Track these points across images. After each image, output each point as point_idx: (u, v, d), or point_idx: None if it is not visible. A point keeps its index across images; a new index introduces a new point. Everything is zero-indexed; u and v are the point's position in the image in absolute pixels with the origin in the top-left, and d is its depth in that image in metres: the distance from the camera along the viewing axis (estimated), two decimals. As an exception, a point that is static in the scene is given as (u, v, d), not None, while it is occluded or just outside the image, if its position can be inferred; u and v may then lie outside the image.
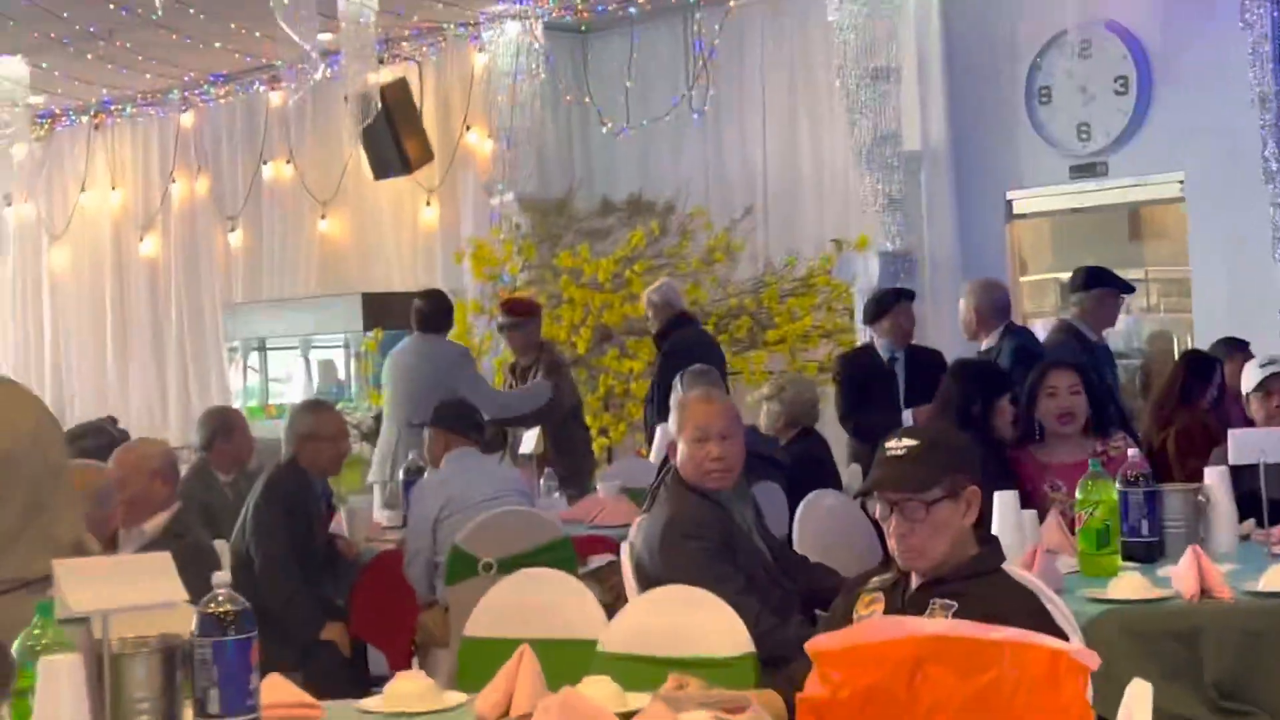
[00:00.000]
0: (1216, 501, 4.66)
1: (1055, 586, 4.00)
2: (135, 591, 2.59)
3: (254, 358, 12.56)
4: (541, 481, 6.72)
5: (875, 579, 3.17)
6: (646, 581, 4.05)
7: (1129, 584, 3.96)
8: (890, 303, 7.12)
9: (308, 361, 12.18)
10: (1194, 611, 3.84)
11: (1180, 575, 3.98)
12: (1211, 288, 8.65)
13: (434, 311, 7.65)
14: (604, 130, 10.92)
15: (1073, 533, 4.60)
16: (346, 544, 5.82)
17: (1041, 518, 4.84)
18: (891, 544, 3.06)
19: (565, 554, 5.36)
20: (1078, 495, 4.45)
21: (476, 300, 10.33)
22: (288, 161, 12.59)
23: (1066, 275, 10.58)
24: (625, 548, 4.28)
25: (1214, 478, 4.69)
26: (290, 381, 12.41)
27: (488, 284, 10.56)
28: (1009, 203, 9.58)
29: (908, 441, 3.06)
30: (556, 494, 6.67)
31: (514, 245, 10.57)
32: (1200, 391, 7.12)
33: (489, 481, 5.63)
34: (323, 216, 12.40)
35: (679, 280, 10.13)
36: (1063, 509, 4.90)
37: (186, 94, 12.98)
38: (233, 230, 13.07)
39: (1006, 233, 9.62)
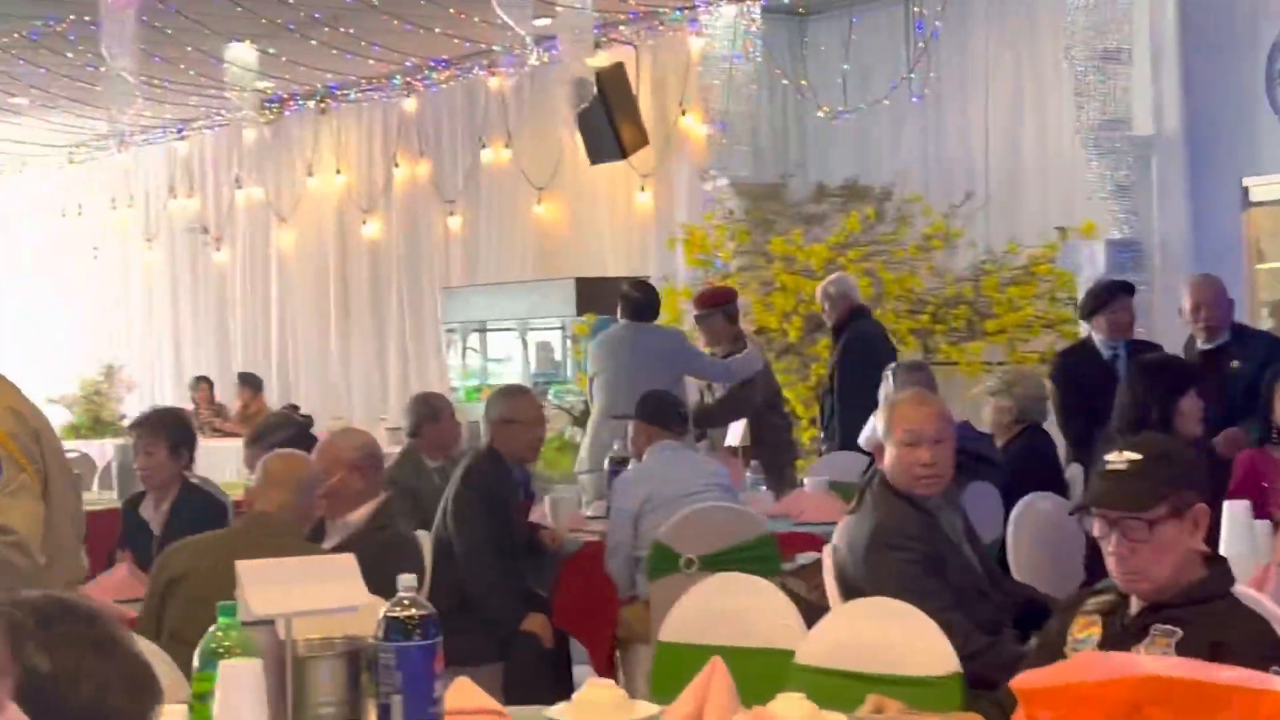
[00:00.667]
0: None
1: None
2: (318, 595, 2.54)
3: (473, 339, 12.70)
4: (747, 475, 6.59)
5: (1093, 600, 2.97)
6: (848, 589, 3.90)
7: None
8: (1107, 297, 6.79)
9: (525, 344, 12.27)
10: None
11: None
12: None
13: (647, 302, 7.57)
14: (820, 115, 10.72)
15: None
16: (550, 534, 5.77)
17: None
18: (1110, 565, 2.86)
19: (769, 551, 5.23)
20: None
21: (688, 286, 10.23)
22: (506, 145, 12.68)
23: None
24: (828, 549, 4.13)
25: None
26: (508, 363, 12.51)
27: (700, 270, 10.46)
28: (1245, 189, 9.11)
29: (1130, 455, 2.85)
30: (762, 488, 6.53)
31: (727, 231, 10.45)
32: None
33: (692, 475, 5.53)
34: (539, 201, 12.46)
35: (894, 268, 9.92)
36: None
37: (408, 79, 13.18)
38: (452, 214, 13.23)
39: (1242, 220, 9.15)
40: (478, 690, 3.01)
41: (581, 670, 5.77)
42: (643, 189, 11.71)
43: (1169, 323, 8.66)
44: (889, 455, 4.02)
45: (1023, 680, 2.02)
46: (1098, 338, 6.82)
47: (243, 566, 2.50)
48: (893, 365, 6.51)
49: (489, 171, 12.88)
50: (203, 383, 13.79)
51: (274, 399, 13.54)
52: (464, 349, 12.70)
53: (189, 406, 13.13)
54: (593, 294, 10.98)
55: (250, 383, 12.99)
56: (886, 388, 6.09)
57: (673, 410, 5.74)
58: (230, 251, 15.40)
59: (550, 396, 11.54)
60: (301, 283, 14.69)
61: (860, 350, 7.73)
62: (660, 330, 7.80)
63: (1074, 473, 6.28)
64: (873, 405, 5.88)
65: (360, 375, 14.20)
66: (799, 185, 10.79)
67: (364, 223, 13.98)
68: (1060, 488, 5.99)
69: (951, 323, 9.70)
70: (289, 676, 2.53)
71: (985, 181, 10.38)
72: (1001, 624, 3.84)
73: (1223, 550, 4.12)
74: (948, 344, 9.63)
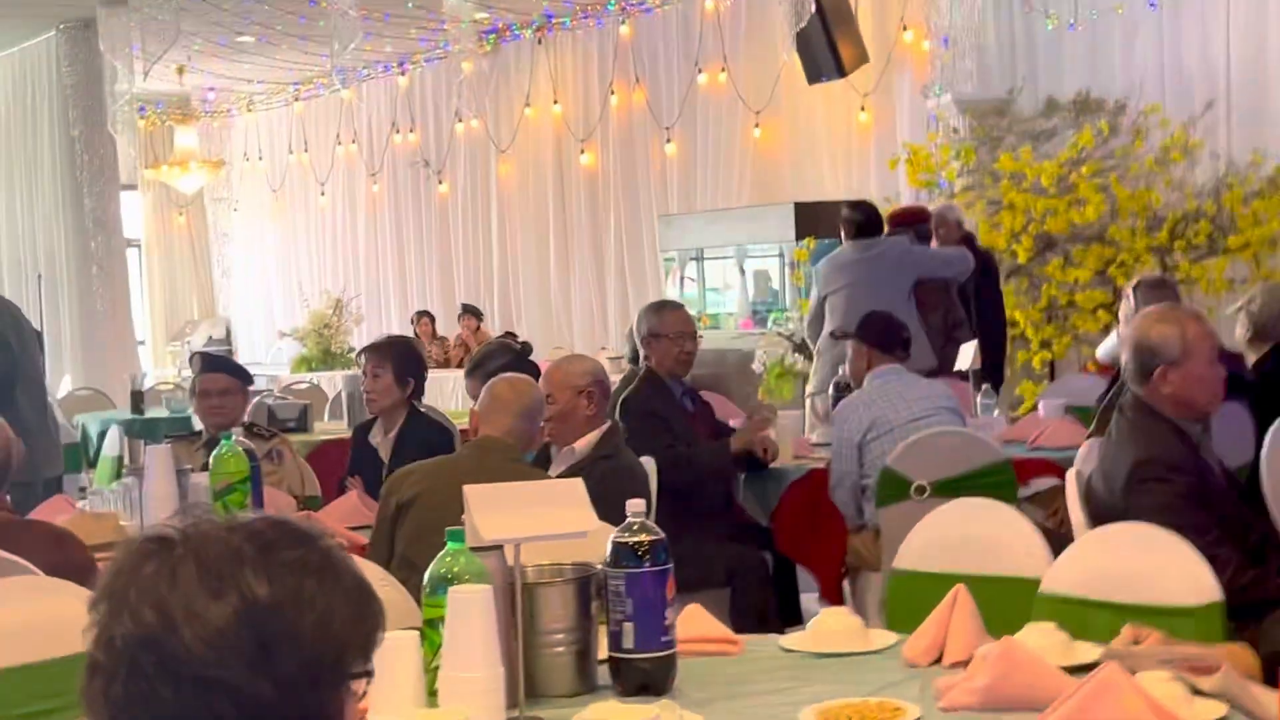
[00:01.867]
0: None
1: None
2: (547, 520, 2.47)
3: (691, 268, 12.61)
4: (979, 399, 6.37)
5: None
6: (1101, 519, 3.69)
7: None
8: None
9: (743, 272, 12.14)
10: None
11: None
12: None
13: (868, 220, 7.38)
14: (1049, 26, 10.29)
15: None
16: (763, 440, 5.54)
17: None
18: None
19: (1005, 478, 5.03)
20: None
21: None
22: (722, 70, 12.50)
23: None
24: (1072, 475, 3.92)
25: None
26: (727, 292, 12.40)
27: (924, 191, 10.18)
28: None
29: None
30: (995, 413, 6.30)
31: (951, 150, 10.14)
32: None
33: (917, 400, 5.33)
34: (756, 125, 12.27)
35: (1129, 183, 9.50)
36: None
37: (624, 5, 13.08)
38: (668, 141, 13.12)
39: None
40: (710, 617, 2.92)
41: (809, 599, 5.67)
42: (863, 109, 11.44)
43: None
44: (1178, 378, 3.74)
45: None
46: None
47: (471, 491, 2.44)
48: (1134, 281, 6.21)
49: (705, 96, 12.73)
50: (424, 317, 14.01)
51: (496, 329, 13.68)
52: (681, 278, 12.62)
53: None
54: (812, 218, 10.78)
55: (472, 313, 13.14)
56: (1127, 307, 5.80)
57: (896, 333, 5.53)
58: (451, 185, 15.56)
59: (770, 324, 11.42)
60: (521, 214, 14.77)
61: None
62: (886, 240, 7.60)
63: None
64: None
65: (580, 305, 14.25)
66: (1027, 100, 10.39)
67: (581, 152, 13.96)
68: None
69: (1192, 239, 9.26)
70: (519, 602, 2.47)
71: (1227, 90, 9.85)
72: (1268, 551, 3.60)
73: None
74: (1189, 261, 9.20)
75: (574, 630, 2.62)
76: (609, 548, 2.59)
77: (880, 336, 5.50)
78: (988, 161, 10.04)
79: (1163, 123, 9.67)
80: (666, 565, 2.60)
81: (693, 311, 12.26)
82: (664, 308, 5.71)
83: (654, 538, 2.59)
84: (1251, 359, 5.81)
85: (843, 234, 7.51)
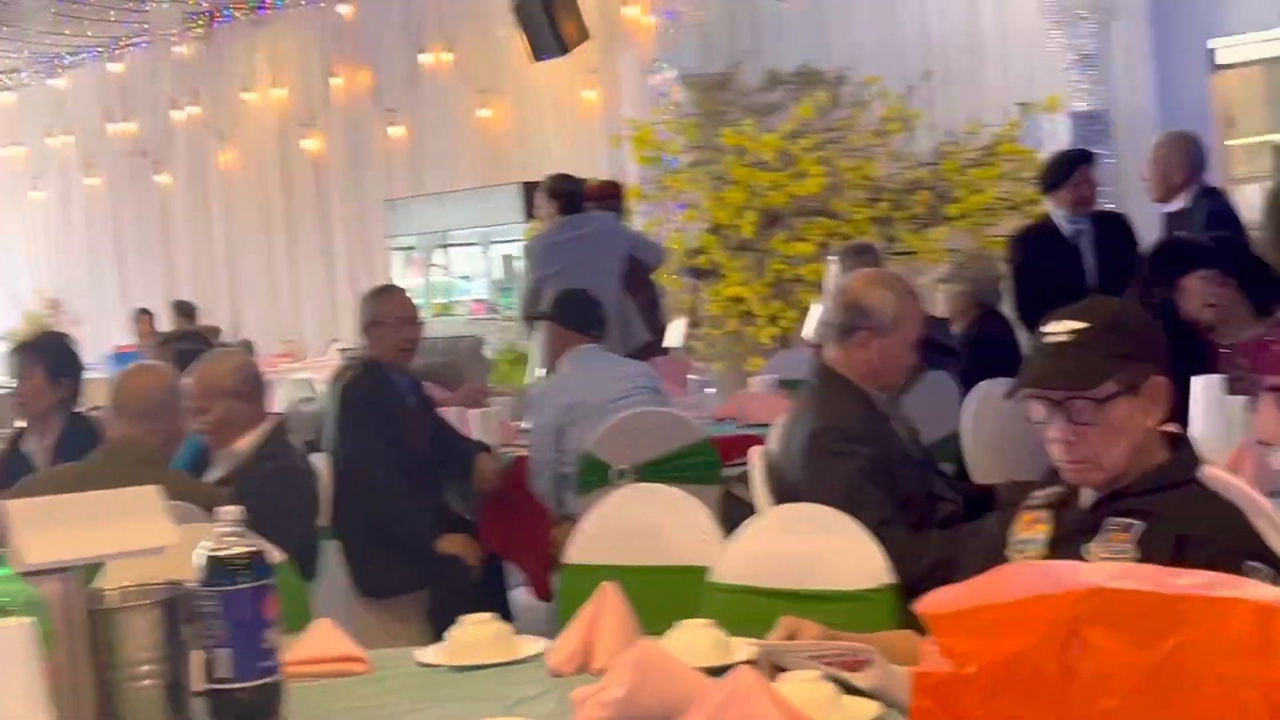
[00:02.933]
0: None
1: (1270, 490, 3.36)
2: (115, 536, 2.14)
3: (438, 255, 12.28)
4: (691, 377, 6.18)
5: (1039, 493, 2.58)
6: (783, 497, 3.50)
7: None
8: (1068, 168, 6.36)
9: (487, 256, 11.85)
10: None
11: None
12: None
13: (572, 192, 7.14)
14: (766, -4, 10.19)
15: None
16: (485, 466, 5.29)
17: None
18: (1055, 453, 2.46)
19: (707, 457, 4.83)
20: (1295, 376, 3.77)
21: (637, 186, 9.77)
22: (446, 49, 12.16)
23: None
24: (755, 451, 3.71)
25: None
26: (479, 279, 12.11)
27: (649, 168, 9.99)
28: (1211, 52, 8.66)
29: (1071, 324, 2.44)
30: (709, 390, 6.12)
31: (675, 125, 9.97)
32: None
33: (616, 380, 5.08)
34: (483, 105, 11.95)
35: (850, 156, 9.47)
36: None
37: (344, -18, 12.64)
38: (394, 124, 12.71)
39: (1209, 86, 8.71)
40: (338, 634, 2.62)
41: (519, 595, 5.40)
42: (588, 87, 11.21)
43: (1139, 198, 8.27)
44: (880, 346, 3.55)
45: (930, 603, 1.62)
46: (1059, 213, 6.40)
47: (16, 507, 2.09)
48: (840, 249, 6.10)
49: (430, 77, 12.37)
50: (144, 315, 13.33)
51: (224, 326, 13.09)
52: (427, 265, 12.26)
53: (135, 340, 12.71)
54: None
55: (183, 310, 12.51)
56: (832, 274, 5.69)
57: (591, 311, 5.27)
58: (171, 175, 14.87)
59: (504, 307, 11.14)
60: (245, 204, 14.19)
61: None
62: (595, 217, 7.36)
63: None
64: None
65: (310, 297, 13.74)
66: (751, 74, 10.29)
67: (305, 138, 13.45)
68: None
69: (912, 210, 9.27)
70: (75, 635, 2.13)
71: (944, 60, 9.92)
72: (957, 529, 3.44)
73: (1193, 432, 3.74)
74: (909, 232, 9.20)
75: (162, 660, 2.28)
76: (197, 563, 2.26)
77: (574, 316, 5.23)
78: (713, 136, 9.91)
79: (884, 94, 9.66)
80: (266, 580, 2.28)
81: (434, 300, 12.13)
82: (383, 293, 5.31)
83: (249, 550, 2.27)
84: (959, 327, 5.75)
85: (546, 208, 7.25)
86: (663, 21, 10.34)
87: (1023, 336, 6.44)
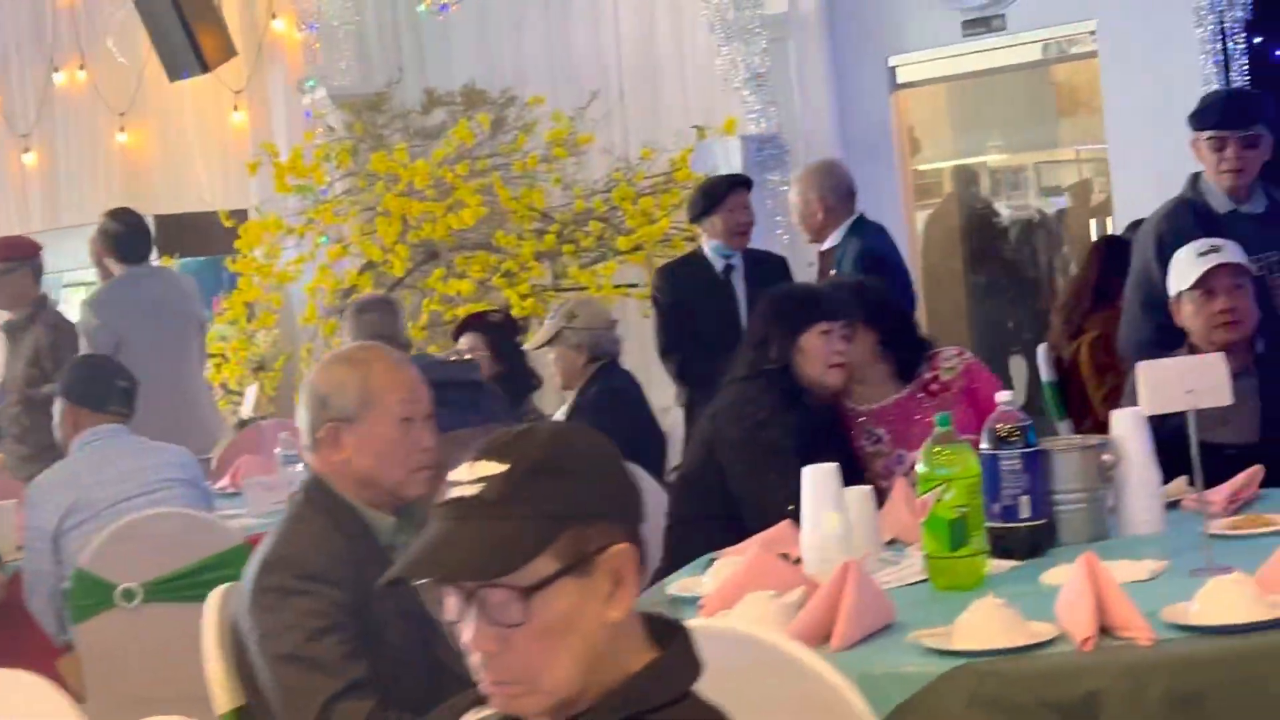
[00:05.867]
0: (1130, 459, 3.21)
1: (876, 623, 2.58)
2: None
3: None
4: (279, 451, 5.17)
5: (472, 714, 1.69)
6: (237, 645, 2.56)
7: (987, 620, 2.50)
8: (720, 194, 5.62)
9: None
10: (1090, 668, 2.39)
11: (1068, 604, 2.54)
12: (1131, 157, 7.15)
13: (132, 234, 6.08)
14: (422, 10, 9.27)
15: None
16: None
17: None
18: (479, 675, 1.57)
19: (238, 570, 3.85)
20: (919, 469, 2.98)
21: (278, 216, 8.74)
22: (81, 67, 10.91)
23: (964, 161, 9.18)
24: (216, 596, 2.76)
25: (1126, 424, 3.23)
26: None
27: (298, 198, 8.96)
28: (892, 70, 8.05)
29: (484, 468, 1.55)
30: (299, 465, 5.13)
31: (326, 150, 8.97)
32: (1119, 288, 5.74)
33: (136, 472, 4.07)
34: (121, 129, 10.74)
35: (514, 183, 8.61)
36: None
37: (-38, -5, 11.26)
38: (27, 150, 11.39)
39: (891, 105, 8.10)
40: None
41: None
42: (236, 108, 10.12)
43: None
44: (354, 441, 2.67)
45: None
46: (709, 245, 5.65)
47: None
48: (352, 304, 5.23)
49: (64, 98, 11.09)
50: None
51: None
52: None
53: None
54: (175, 232, 9.41)
55: None
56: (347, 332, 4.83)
57: (109, 382, 4.24)
58: None
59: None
60: None
61: None
62: (161, 268, 6.29)
63: (675, 419, 5.09)
64: None
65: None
66: (410, 93, 9.37)
67: (-71, 167, 12.00)
68: (652, 438, 4.79)
69: (581, 242, 8.46)
70: None
71: (620, 81, 9.15)
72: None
73: (804, 538, 2.95)
74: (579, 267, 8.39)
75: None
76: None
77: (85, 389, 4.19)
78: (367, 163, 8.94)
79: (555, 115, 8.83)
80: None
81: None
82: None
83: None
84: (571, 387, 4.92)
85: (104, 254, 6.17)
86: (308, 35, 9.34)
87: (659, 392, 5.67)
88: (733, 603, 2.74)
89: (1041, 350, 5.88)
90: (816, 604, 2.62)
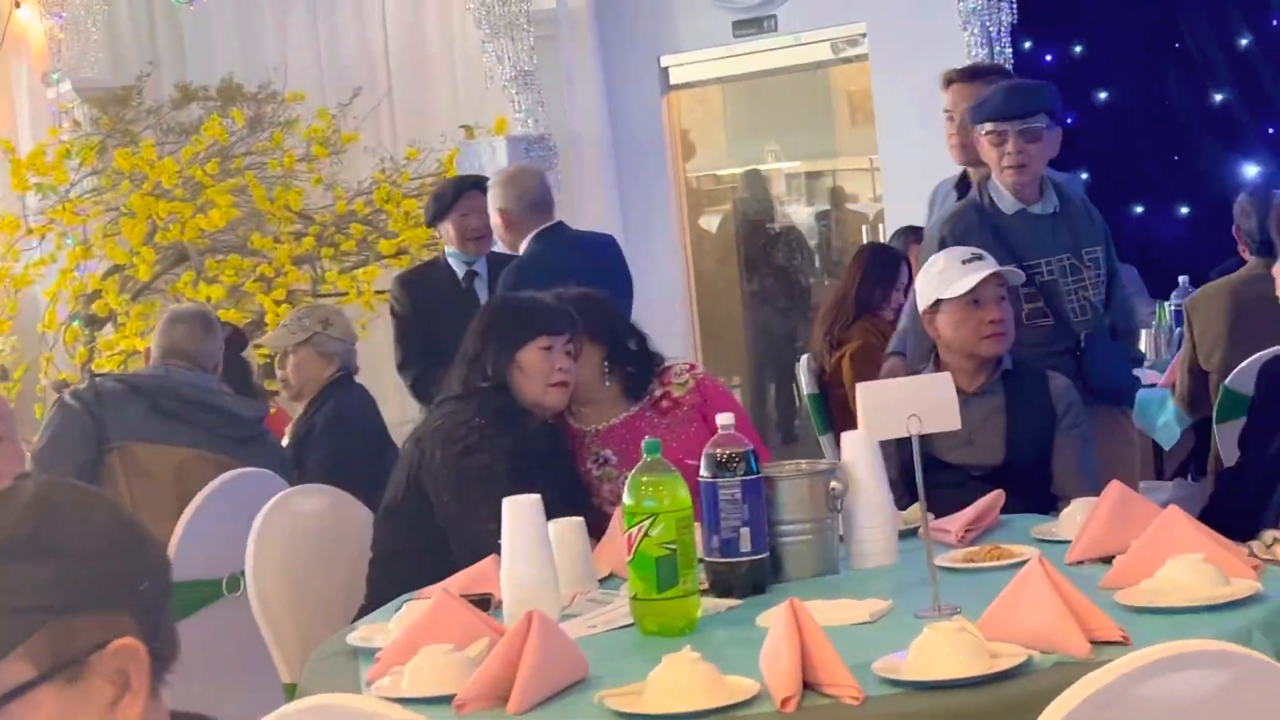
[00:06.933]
0: (860, 485, 2.96)
1: (563, 681, 2.28)
2: None
3: None
4: None
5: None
6: None
7: (680, 678, 2.21)
8: (449, 199, 5.29)
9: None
10: (787, 733, 2.12)
11: (772, 656, 2.26)
12: (901, 163, 7.02)
13: None
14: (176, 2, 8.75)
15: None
16: None
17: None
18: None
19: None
20: (625, 501, 2.69)
21: (13, 216, 8.16)
22: None
23: (741, 167, 8.99)
24: None
25: (856, 447, 2.98)
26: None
27: (40, 197, 8.38)
28: (665, 70, 7.82)
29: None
30: None
31: (70, 147, 8.40)
32: (883, 297, 5.59)
33: None
34: None
35: (270, 182, 8.17)
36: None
37: None
38: None
39: (663, 106, 7.87)
40: None
41: None
42: (-21, 102, 9.48)
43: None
44: None
45: None
46: (449, 251, 5.31)
47: None
48: (172, 311, 4.81)
49: None
50: None
51: None
52: None
53: None
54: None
55: None
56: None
57: None
58: None
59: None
60: None
61: None
62: None
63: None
64: None
65: None
66: (164, 88, 8.84)
67: None
68: (386, 460, 4.43)
69: (343, 246, 8.05)
70: None
71: (387, 77, 8.76)
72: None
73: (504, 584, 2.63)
74: (337, 271, 7.98)
75: None
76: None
77: None
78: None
79: (321, 113, 8.40)
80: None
81: None
82: None
83: None
84: (312, 394, 4.57)
85: None
86: (52, 25, 8.76)
87: (395, 409, 5.32)
88: (408, 656, 2.42)
89: (803, 362, 5.67)
90: (494, 660, 2.31)
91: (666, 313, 7.54)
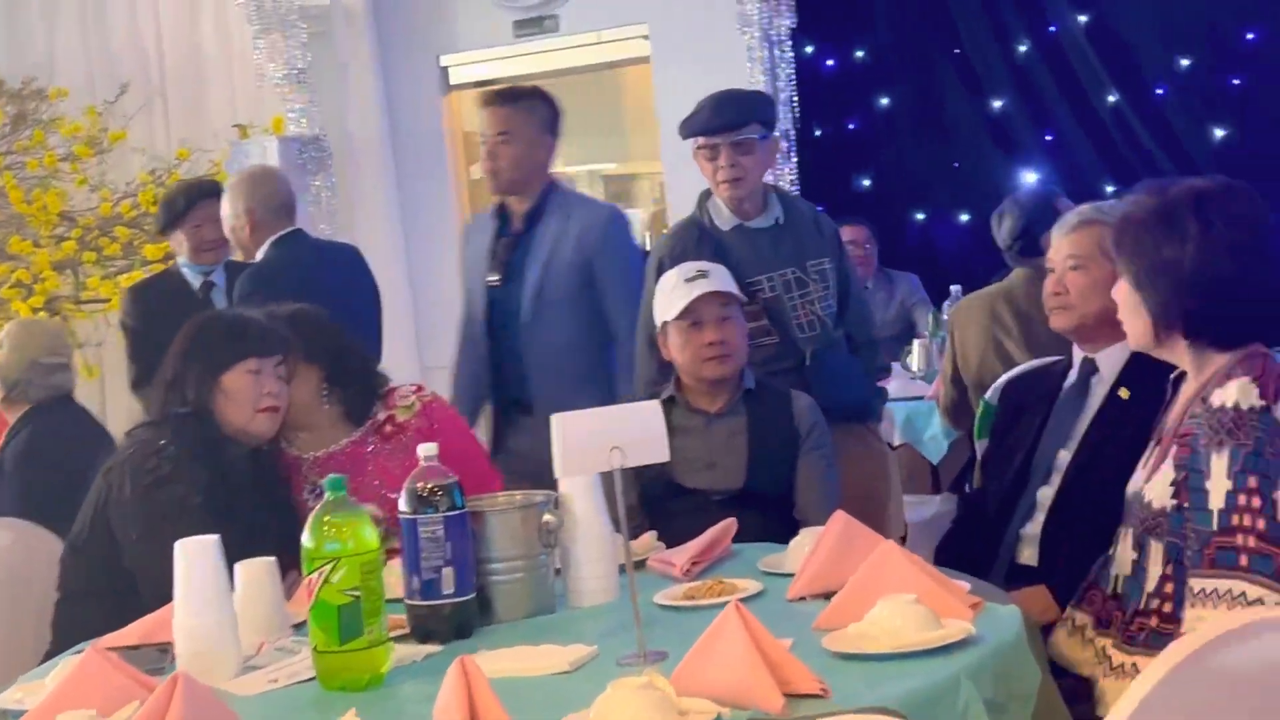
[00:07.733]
0: (576, 519, 2.76)
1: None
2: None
3: None
4: None
5: None
6: None
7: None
8: (181, 208, 4.98)
9: None
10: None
11: (445, 716, 2.05)
12: (683, 170, 6.85)
13: None
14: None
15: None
16: None
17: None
18: None
19: None
20: (304, 542, 2.47)
21: None
22: None
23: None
24: None
25: (574, 482, 2.79)
26: None
27: None
28: (444, 70, 7.58)
29: None
30: None
31: None
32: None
33: None
34: None
35: (30, 182, 7.74)
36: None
37: None
38: None
39: (444, 107, 7.62)
40: None
41: None
42: None
43: (365, 235, 7.08)
44: None
45: None
46: (183, 262, 5.02)
47: None
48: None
49: None
50: None
51: None
52: None
53: None
54: None
55: None
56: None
57: None
58: None
59: None
60: None
61: None
62: None
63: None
64: None
65: None
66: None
67: None
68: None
69: (106, 250, 7.65)
70: None
71: (160, 73, 8.38)
72: None
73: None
74: (100, 277, 7.59)
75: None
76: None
77: None
78: None
79: (88, 111, 7.99)
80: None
81: None
82: None
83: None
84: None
85: None
86: None
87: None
88: (49, 723, 2.17)
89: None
90: (136, 728, 2.06)
91: (448, 316, 7.29)
